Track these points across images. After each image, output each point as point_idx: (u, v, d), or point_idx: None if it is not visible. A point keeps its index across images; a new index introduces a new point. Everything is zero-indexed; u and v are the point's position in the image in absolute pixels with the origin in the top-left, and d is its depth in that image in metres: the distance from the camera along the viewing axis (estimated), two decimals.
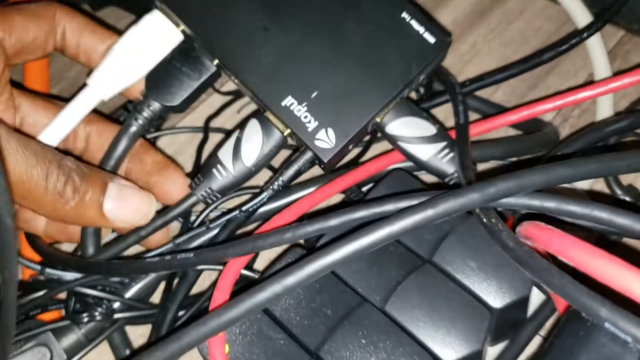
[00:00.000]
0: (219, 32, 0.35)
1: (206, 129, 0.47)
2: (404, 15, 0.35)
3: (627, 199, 0.39)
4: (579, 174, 0.27)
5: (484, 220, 0.27)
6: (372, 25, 0.35)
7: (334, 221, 0.29)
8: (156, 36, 0.36)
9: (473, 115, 0.46)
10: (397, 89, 0.34)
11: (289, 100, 0.34)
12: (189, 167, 0.46)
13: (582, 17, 0.46)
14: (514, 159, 0.40)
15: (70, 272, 0.36)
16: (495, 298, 0.31)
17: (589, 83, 0.40)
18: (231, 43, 0.35)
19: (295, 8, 0.35)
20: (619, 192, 0.39)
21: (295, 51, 0.35)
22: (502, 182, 0.26)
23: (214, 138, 0.47)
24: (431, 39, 0.34)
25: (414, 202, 0.28)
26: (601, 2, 0.45)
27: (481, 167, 0.42)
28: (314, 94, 0.34)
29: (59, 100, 0.39)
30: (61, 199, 0.31)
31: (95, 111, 0.38)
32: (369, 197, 0.34)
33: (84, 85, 0.36)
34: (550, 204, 0.26)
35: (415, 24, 0.35)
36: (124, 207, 0.34)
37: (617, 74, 0.42)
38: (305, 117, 0.34)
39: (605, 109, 0.43)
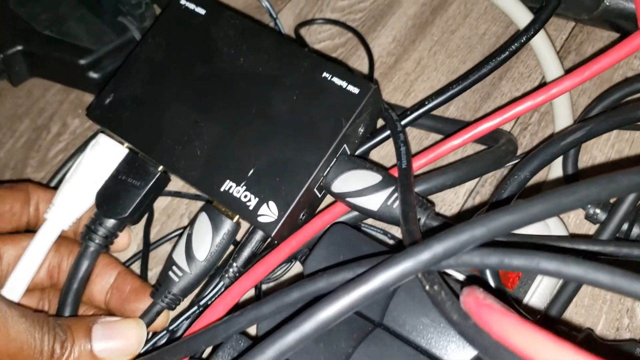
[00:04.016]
0: (157, 139, 0.36)
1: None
2: (325, 75, 0.35)
3: (597, 211, 0.36)
4: (523, 219, 0.23)
5: (426, 287, 0.24)
6: (297, 93, 0.35)
7: (267, 308, 0.26)
8: (104, 158, 0.38)
9: (431, 136, 0.43)
10: (330, 146, 0.34)
11: (227, 184, 0.34)
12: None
13: (521, 16, 0.43)
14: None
15: None
16: (458, 355, 0.27)
17: (540, 87, 0.37)
18: (168, 145, 0.36)
19: (221, 95, 0.36)
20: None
21: (227, 135, 0.35)
22: (439, 243, 0.23)
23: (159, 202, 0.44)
24: (355, 90, 0.34)
25: (348, 274, 0.25)
26: None
27: None
28: (251, 172, 0.34)
29: None
30: (53, 359, 0.31)
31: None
32: (309, 261, 0.32)
33: (44, 220, 0.37)
34: (492, 260, 0.23)
35: (337, 81, 0.35)
36: (114, 343, 0.33)
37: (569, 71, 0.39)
38: (245, 196, 0.34)
39: (563, 114, 0.40)
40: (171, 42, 0.39)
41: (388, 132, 0.38)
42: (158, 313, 0.35)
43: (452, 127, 0.40)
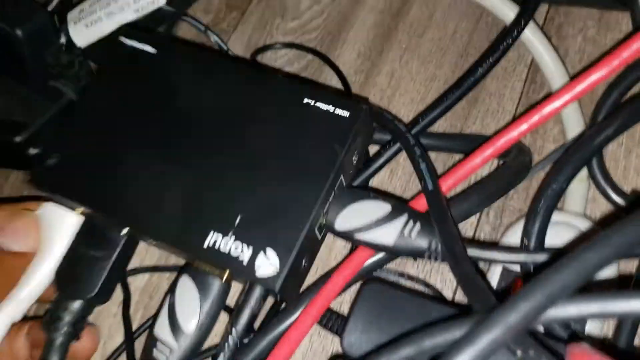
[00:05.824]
0: (118, 198, 0.31)
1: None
2: (307, 100, 0.31)
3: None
4: (615, 252, 0.20)
5: (519, 354, 0.20)
6: (278, 125, 0.31)
7: None
8: (54, 230, 0.32)
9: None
10: (328, 178, 0.29)
11: (211, 238, 0.29)
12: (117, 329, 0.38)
13: (501, 6, 0.39)
14: None
15: None
16: None
17: (546, 98, 0.33)
18: (133, 203, 0.31)
19: (187, 139, 0.32)
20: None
21: (202, 182, 0.30)
22: (525, 301, 0.19)
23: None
24: (344, 113, 0.30)
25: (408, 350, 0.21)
26: None
27: None
28: (238, 219, 0.29)
29: None
30: None
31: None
32: (349, 333, 0.27)
33: None
34: (592, 308, 0.19)
35: (321, 105, 0.30)
36: None
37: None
38: (236, 248, 0.28)
39: (573, 118, 0.36)
40: (120, 87, 0.34)
41: (384, 157, 0.34)
42: None
43: (451, 143, 0.36)
